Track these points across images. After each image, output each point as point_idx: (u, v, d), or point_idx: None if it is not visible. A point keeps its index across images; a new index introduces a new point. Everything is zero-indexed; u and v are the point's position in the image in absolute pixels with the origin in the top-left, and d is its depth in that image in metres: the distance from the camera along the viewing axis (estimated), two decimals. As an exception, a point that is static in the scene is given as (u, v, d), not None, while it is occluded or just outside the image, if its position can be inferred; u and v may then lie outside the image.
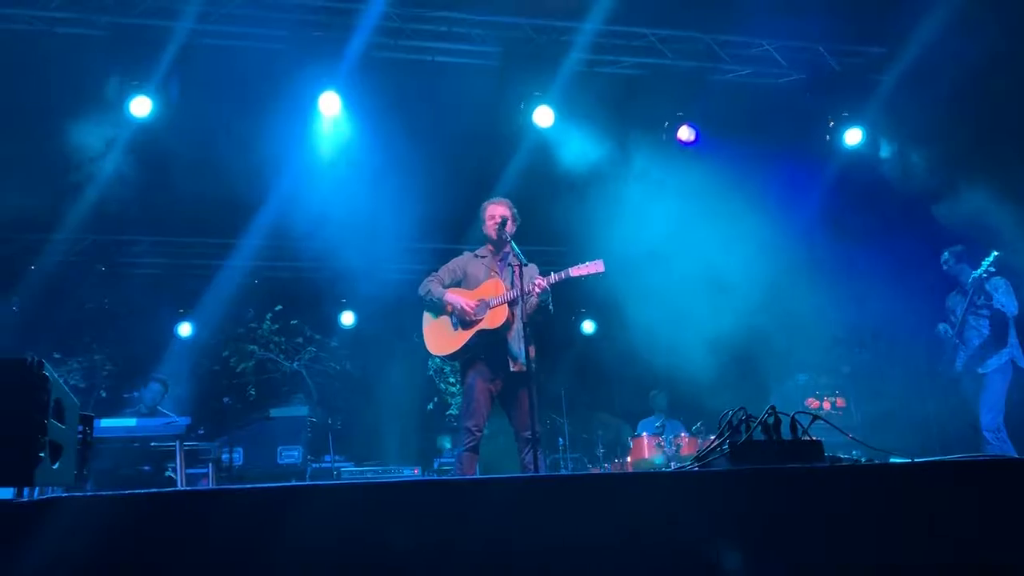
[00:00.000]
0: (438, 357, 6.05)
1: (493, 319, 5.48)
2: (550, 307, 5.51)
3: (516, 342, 5.50)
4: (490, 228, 5.74)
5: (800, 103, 8.53)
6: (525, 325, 5.37)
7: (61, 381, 2.62)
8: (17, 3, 7.02)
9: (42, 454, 2.31)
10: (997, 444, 6.80)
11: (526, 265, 5.29)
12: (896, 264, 8.31)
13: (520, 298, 5.28)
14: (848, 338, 9.21)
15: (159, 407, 8.34)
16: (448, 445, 9.79)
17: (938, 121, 7.89)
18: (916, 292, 7.96)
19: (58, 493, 2.87)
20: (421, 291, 5.72)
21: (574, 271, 5.49)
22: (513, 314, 5.50)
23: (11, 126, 7.27)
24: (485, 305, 5.51)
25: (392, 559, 2.21)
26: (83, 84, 7.33)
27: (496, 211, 5.75)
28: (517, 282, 5.42)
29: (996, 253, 6.95)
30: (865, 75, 8.45)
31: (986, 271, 6.97)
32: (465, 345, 5.51)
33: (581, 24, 7.71)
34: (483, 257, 5.80)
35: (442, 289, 5.66)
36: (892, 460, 3.12)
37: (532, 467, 5.05)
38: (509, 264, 5.70)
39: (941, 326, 7.45)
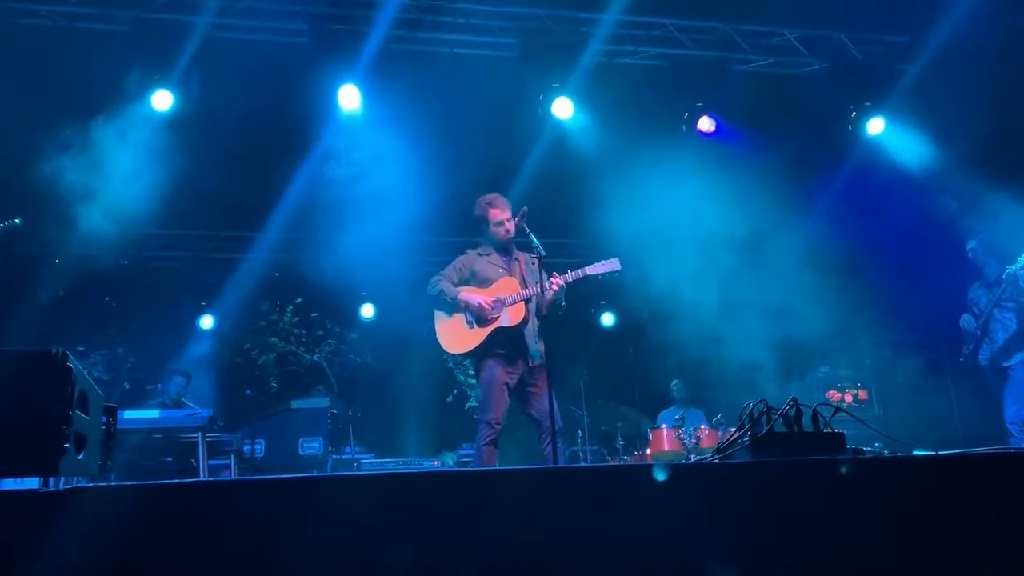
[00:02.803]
0: (454, 354, 6.04)
1: (511, 317, 5.48)
2: (563, 303, 5.52)
3: (532, 338, 5.53)
4: (501, 233, 5.69)
5: (822, 93, 8.45)
6: (540, 320, 5.41)
7: (85, 373, 2.64)
8: (38, -2, 7.09)
9: (67, 444, 2.34)
10: (1022, 437, 6.74)
11: (543, 256, 5.27)
12: (917, 255, 8.24)
13: (540, 293, 5.29)
14: (871, 330, 9.13)
15: (183, 399, 8.43)
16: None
17: (962, 111, 7.79)
18: (938, 284, 7.87)
19: (82, 483, 2.90)
20: (431, 290, 5.68)
21: (590, 269, 5.50)
22: (529, 311, 5.52)
23: (31, 121, 7.31)
24: (501, 303, 5.50)
25: (411, 550, 2.22)
26: (103, 78, 7.37)
27: (501, 215, 5.68)
28: (530, 278, 5.43)
29: None
30: (888, 64, 8.35)
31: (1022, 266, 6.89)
32: (482, 343, 5.51)
33: (600, 15, 7.69)
34: (487, 255, 5.75)
35: (454, 288, 5.62)
36: (915, 453, 3.09)
37: (552, 459, 5.06)
38: (515, 259, 5.73)
39: (965, 317, 7.37)
